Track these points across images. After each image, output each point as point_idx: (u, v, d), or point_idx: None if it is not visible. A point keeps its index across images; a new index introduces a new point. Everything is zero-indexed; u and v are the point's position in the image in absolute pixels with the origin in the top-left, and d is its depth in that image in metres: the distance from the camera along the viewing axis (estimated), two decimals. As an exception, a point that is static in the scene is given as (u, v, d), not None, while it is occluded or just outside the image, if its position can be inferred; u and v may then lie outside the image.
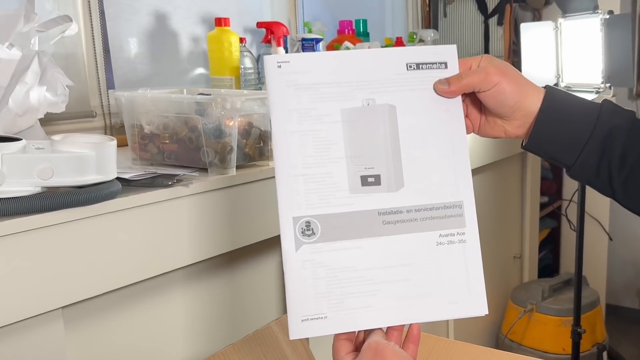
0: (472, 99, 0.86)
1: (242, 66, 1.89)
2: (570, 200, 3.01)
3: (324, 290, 0.78)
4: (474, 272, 0.81)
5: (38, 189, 1.00)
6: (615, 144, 0.80)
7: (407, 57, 0.83)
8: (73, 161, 1.01)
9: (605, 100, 0.85)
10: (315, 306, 0.78)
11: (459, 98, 0.83)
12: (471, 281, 0.81)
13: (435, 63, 0.83)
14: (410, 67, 0.82)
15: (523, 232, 2.92)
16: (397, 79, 0.82)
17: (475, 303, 0.81)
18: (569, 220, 3.19)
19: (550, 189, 3.43)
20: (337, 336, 0.80)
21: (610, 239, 3.31)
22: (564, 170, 0.86)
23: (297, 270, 0.78)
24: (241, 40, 1.89)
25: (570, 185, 3.31)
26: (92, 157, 1.03)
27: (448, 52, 0.84)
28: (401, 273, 0.79)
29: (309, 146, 0.79)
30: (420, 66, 0.83)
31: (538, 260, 3.14)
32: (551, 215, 3.47)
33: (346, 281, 0.79)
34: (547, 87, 0.84)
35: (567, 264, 3.50)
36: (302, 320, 0.78)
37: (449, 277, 0.80)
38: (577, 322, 2.43)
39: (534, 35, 2.35)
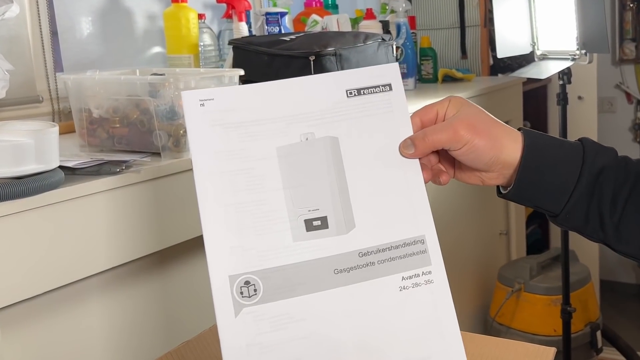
0: (443, 151, 0.79)
1: (202, 43, 1.84)
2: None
3: None
4: (447, 317, 0.71)
5: (-29, 182, 0.95)
6: (606, 186, 0.75)
7: (346, 83, 0.76)
8: (9, 150, 0.98)
9: (583, 138, 0.79)
10: None
11: (410, 126, 0.76)
12: (444, 328, 0.71)
13: (378, 86, 0.76)
14: (351, 93, 0.76)
15: (508, 205, 2.78)
16: (337, 108, 0.75)
17: (452, 353, 0.71)
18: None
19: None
20: None
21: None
22: (548, 217, 0.80)
23: (237, 343, 0.67)
24: (200, 16, 1.84)
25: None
26: (30, 146, 1.00)
27: (391, 72, 0.77)
28: (363, 331, 0.70)
29: (241, 187, 0.71)
30: (362, 91, 0.76)
31: (526, 236, 3.03)
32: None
33: (297, 352, 0.68)
34: (523, 132, 0.77)
35: (557, 239, 3.37)
36: None
37: (418, 328, 0.71)
38: (566, 300, 2.34)
39: (508, 3, 2.31)
